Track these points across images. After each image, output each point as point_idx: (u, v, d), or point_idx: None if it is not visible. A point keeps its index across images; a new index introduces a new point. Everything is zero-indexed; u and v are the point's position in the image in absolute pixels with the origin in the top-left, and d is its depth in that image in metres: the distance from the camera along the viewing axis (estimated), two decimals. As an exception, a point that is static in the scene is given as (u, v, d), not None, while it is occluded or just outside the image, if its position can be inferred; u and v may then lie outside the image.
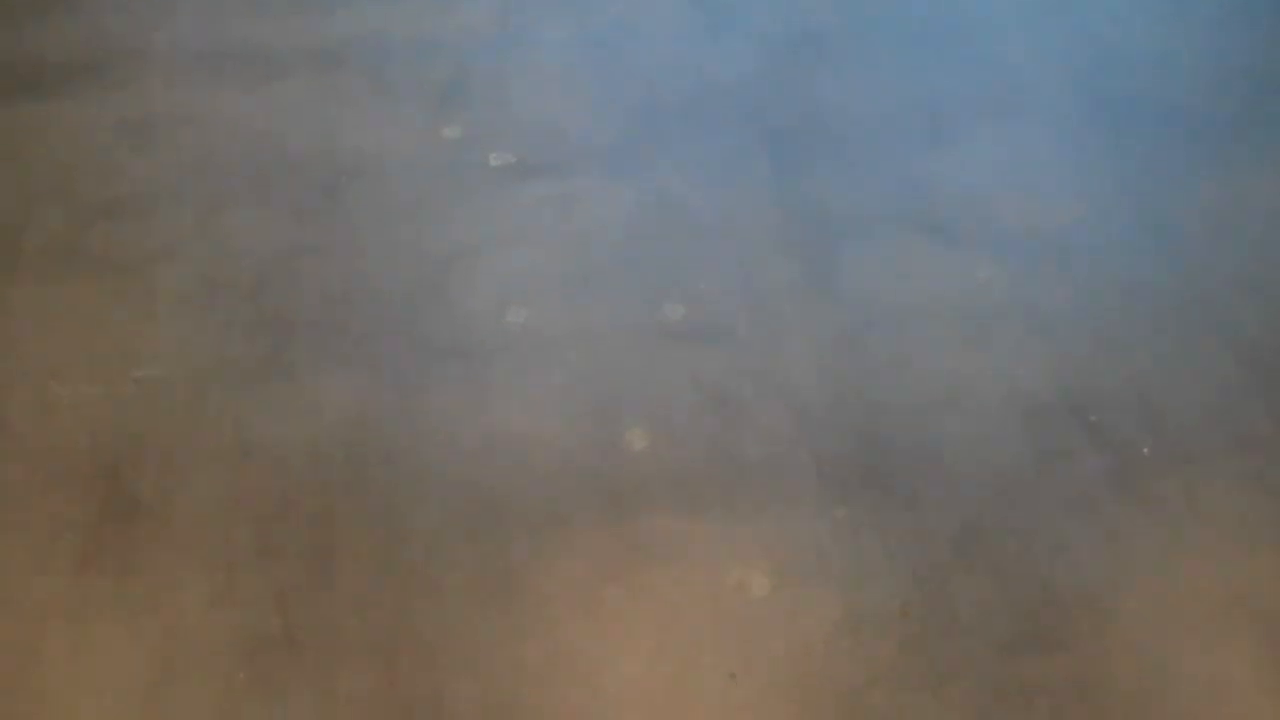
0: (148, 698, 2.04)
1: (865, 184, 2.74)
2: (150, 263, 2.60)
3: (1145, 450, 2.29)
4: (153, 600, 2.14)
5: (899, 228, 2.65)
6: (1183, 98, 2.94)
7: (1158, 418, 2.33)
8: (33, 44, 3.09)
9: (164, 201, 2.72)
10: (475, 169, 2.78)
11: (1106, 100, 2.94)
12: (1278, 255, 2.61)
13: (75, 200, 2.72)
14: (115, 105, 2.93)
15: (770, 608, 2.12)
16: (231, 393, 2.38)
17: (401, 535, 2.21)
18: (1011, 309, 2.50)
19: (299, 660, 2.07)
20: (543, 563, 2.17)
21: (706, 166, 2.78)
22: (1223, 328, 2.47)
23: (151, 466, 2.29)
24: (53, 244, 2.64)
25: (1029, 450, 2.29)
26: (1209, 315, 2.49)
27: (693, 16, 3.16)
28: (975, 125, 2.87)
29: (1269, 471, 2.25)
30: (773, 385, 2.38)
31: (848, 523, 2.21)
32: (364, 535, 2.21)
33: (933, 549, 2.18)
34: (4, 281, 2.57)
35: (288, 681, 2.05)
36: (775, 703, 2.02)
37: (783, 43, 3.09)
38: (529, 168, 2.78)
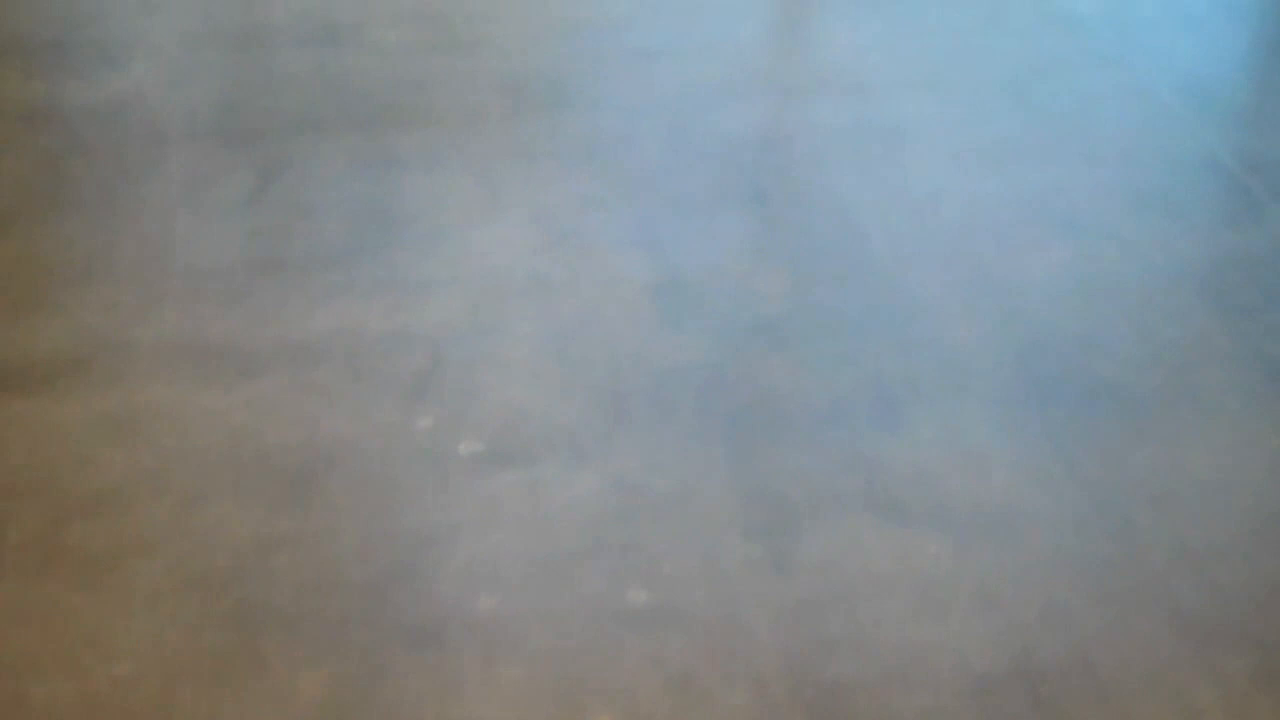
0: None
1: (818, 465, 2.86)
2: (126, 557, 2.67)
3: (1094, 722, 2.35)
4: None
5: (852, 507, 2.76)
6: (1111, 373, 3.11)
7: (1102, 689, 2.39)
8: (20, 343, 3.23)
9: (142, 495, 2.81)
10: (446, 457, 2.90)
11: (1039, 379, 3.10)
12: (1213, 527, 2.72)
13: (55, 495, 2.81)
14: (98, 401, 3.05)
15: None
16: (204, 688, 2.43)
17: (370, 828, 2.23)
18: (960, 583, 2.59)
19: None
20: None
21: (666, 451, 2.91)
22: (1159, 600, 2.56)
23: (124, 764, 2.32)
24: (32, 540, 2.72)
25: (982, 725, 2.35)
26: (1148, 587, 2.59)
27: (651, 308, 3.35)
28: (920, 405, 3.02)
29: (1217, 740, 2.32)
30: (734, 666, 2.45)
31: (809, 803, 2.25)
32: (333, 829, 2.23)
33: (894, 827, 2.21)
34: (-15, 580, 2.64)
35: None
36: None
37: (737, 331, 3.27)
38: (497, 455, 2.90)
